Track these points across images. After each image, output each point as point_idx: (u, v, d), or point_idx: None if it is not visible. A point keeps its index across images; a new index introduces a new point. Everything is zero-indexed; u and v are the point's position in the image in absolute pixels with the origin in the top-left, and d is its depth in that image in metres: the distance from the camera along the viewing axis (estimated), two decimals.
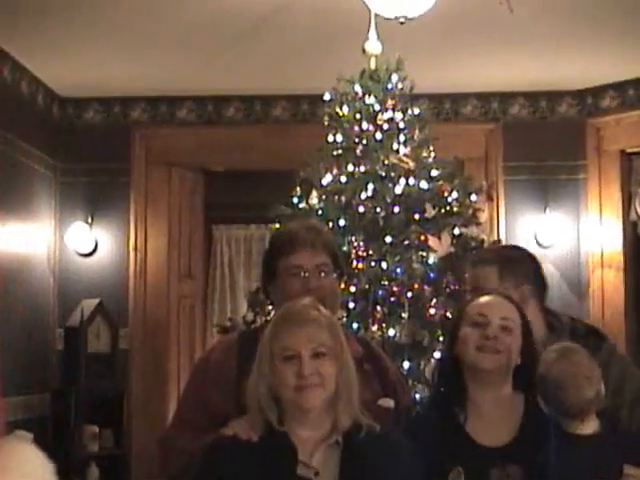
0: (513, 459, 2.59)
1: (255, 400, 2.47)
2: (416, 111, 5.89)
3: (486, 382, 2.73)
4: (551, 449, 2.52)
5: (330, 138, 5.83)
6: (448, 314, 5.21)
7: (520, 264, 3.28)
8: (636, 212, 7.14)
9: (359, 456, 2.44)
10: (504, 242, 6.90)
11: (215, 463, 2.46)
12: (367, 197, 5.55)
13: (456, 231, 5.58)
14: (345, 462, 2.43)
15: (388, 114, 5.79)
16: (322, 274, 3.01)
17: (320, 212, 5.61)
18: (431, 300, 5.36)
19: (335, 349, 2.46)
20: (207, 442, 2.54)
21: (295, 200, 5.75)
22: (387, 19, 5.04)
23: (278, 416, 2.47)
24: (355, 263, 5.42)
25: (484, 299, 2.82)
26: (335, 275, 3.08)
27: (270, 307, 4.71)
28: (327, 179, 5.70)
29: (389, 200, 5.53)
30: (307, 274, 2.98)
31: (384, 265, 5.39)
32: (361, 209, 5.53)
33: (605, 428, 2.59)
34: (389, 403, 3.01)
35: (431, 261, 5.43)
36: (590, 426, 2.59)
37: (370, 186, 5.56)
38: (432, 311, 5.30)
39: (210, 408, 2.86)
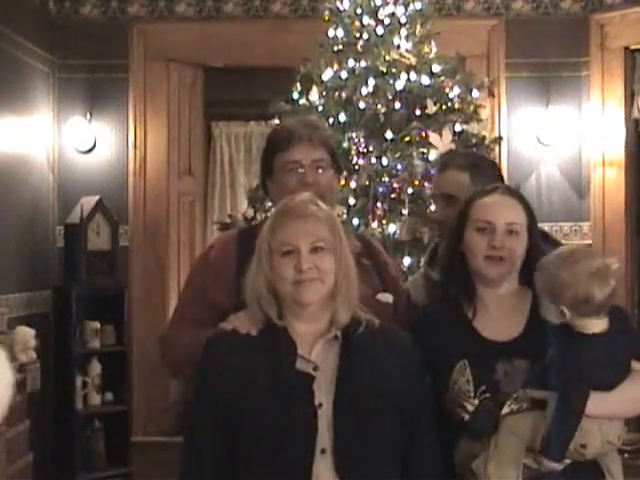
0: (519, 353, 2.61)
1: (254, 295, 2.48)
2: (418, 6, 5.83)
3: (493, 284, 2.75)
4: (559, 347, 2.52)
5: (331, 33, 5.78)
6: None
7: (488, 170, 3.25)
8: (638, 110, 7.09)
9: (358, 351, 2.45)
10: (505, 139, 6.87)
11: (214, 357, 2.48)
12: (368, 93, 5.53)
13: (457, 127, 5.56)
14: (344, 357, 2.44)
15: (389, 9, 5.73)
16: (319, 169, 3.01)
17: (320, 108, 5.58)
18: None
19: (334, 244, 2.46)
20: (206, 337, 2.55)
21: (295, 96, 5.73)
22: None
23: (278, 311, 2.48)
24: (355, 159, 5.42)
25: (489, 200, 2.76)
26: (332, 171, 3.07)
27: (269, 204, 4.70)
28: (327, 75, 5.66)
29: (390, 96, 5.51)
30: (304, 169, 2.98)
31: (384, 161, 5.38)
32: (362, 105, 5.50)
33: (613, 325, 2.58)
34: (388, 298, 3.03)
35: (432, 157, 5.41)
36: (599, 324, 2.55)
37: (371, 82, 5.53)
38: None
39: (210, 304, 2.87)
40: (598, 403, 2.48)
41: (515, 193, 2.83)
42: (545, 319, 2.57)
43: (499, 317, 2.73)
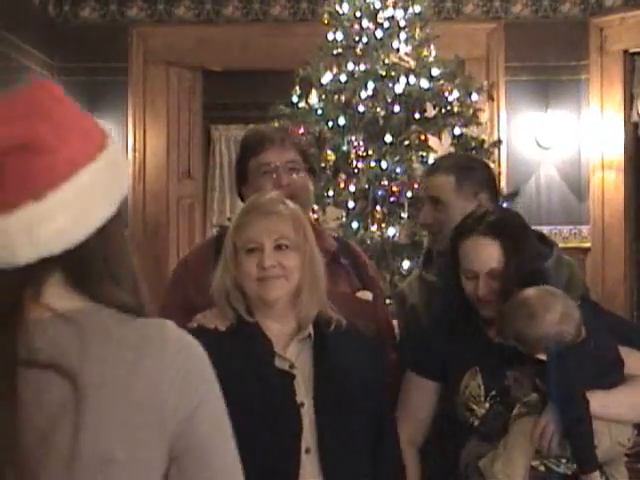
0: (528, 359, 2.60)
1: (221, 292, 2.48)
2: (417, 9, 5.83)
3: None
4: (548, 362, 2.54)
5: (330, 36, 5.78)
6: None
7: (476, 172, 3.24)
8: (638, 113, 7.10)
9: (331, 349, 2.45)
10: (505, 143, 6.88)
11: None
12: (367, 96, 5.52)
13: (456, 131, 5.55)
14: (319, 355, 2.45)
15: (389, 12, 5.73)
16: (293, 171, 3.01)
17: (320, 111, 5.58)
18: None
19: (298, 241, 2.45)
20: None
21: (294, 99, 5.72)
22: None
23: (246, 309, 2.47)
24: (355, 163, 5.42)
25: (468, 249, 2.71)
26: (306, 173, 3.08)
27: None
28: (327, 78, 5.66)
29: (389, 99, 5.50)
30: (278, 171, 2.98)
31: (384, 165, 5.38)
32: (361, 108, 5.50)
33: (590, 326, 2.58)
34: (367, 295, 3.04)
35: (431, 161, 5.40)
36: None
37: (370, 85, 5.52)
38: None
39: (190, 309, 2.86)
40: (604, 404, 2.51)
41: (495, 231, 2.72)
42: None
43: None
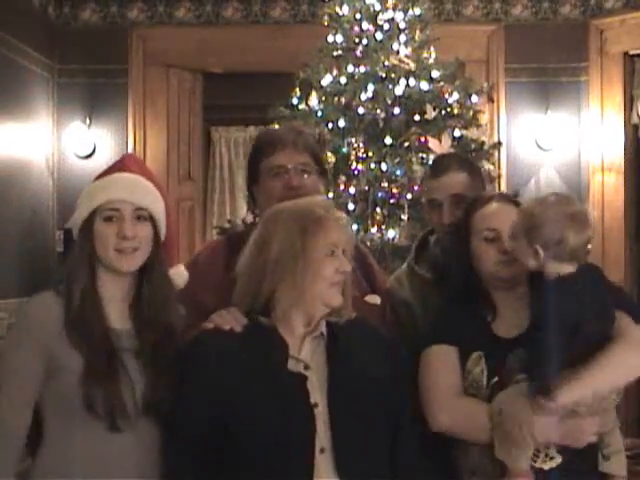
0: (525, 345, 2.62)
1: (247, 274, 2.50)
2: (417, 11, 5.83)
3: (506, 287, 2.77)
4: (533, 293, 2.60)
5: (330, 39, 5.78)
6: None
7: (477, 169, 3.27)
8: (638, 115, 7.09)
9: (344, 347, 2.47)
10: (504, 144, 6.88)
11: (201, 356, 2.45)
12: (367, 98, 5.52)
13: (456, 133, 5.55)
14: (332, 355, 2.46)
15: (388, 14, 5.73)
16: (304, 173, 3.02)
17: (319, 113, 5.58)
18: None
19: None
20: (189, 338, 2.54)
21: (294, 101, 5.73)
22: None
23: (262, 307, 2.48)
24: (355, 165, 5.42)
25: (490, 210, 2.80)
26: (317, 175, 3.08)
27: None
28: (327, 80, 5.66)
29: (389, 101, 5.50)
30: (289, 173, 2.99)
31: (384, 167, 5.38)
32: (361, 110, 5.50)
33: (584, 275, 2.61)
34: (376, 300, 3.05)
35: (431, 163, 5.40)
36: (569, 269, 2.60)
37: (370, 87, 5.52)
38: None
39: (200, 309, 2.86)
40: (587, 382, 2.51)
41: (511, 200, 2.87)
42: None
43: (511, 316, 2.75)
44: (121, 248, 2.52)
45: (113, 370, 2.44)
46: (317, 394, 2.39)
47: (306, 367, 2.42)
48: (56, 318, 2.47)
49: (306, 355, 2.45)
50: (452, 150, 5.43)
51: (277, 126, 3.41)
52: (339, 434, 2.36)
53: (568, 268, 2.58)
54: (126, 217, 2.54)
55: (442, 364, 2.72)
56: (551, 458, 2.55)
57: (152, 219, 2.60)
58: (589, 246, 2.64)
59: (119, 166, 2.70)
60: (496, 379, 2.63)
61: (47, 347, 2.45)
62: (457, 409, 2.65)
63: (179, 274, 2.74)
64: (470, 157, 3.64)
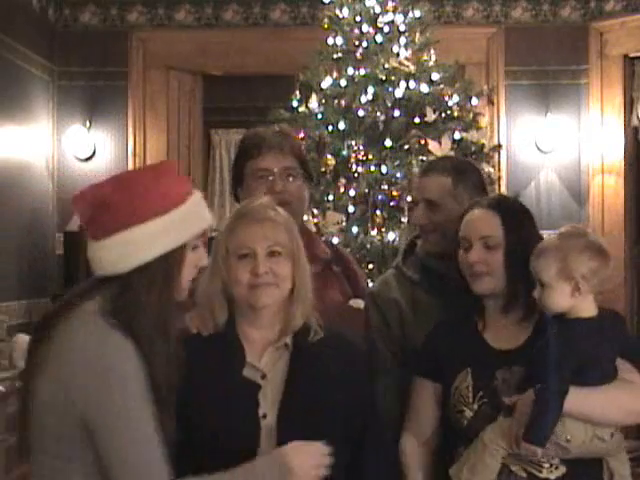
0: (519, 361, 2.59)
1: (207, 297, 2.45)
2: (417, 14, 5.84)
3: (491, 299, 2.71)
4: (550, 333, 2.50)
5: (330, 41, 5.78)
6: None
7: (470, 174, 3.22)
8: (638, 117, 7.10)
9: (307, 361, 2.42)
10: (505, 147, 6.89)
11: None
12: (367, 101, 5.52)
13: (456, 135, 5.56)
14: (293, 365, 2.41)
15: (388, 17, 5.73)
16: (289, 177, 3.00)
17: (319, 116, 5.58)
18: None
19: (291, 249, 2.43)
20: None
21: (294, 104, 5.73)
22: None
23: (229, 315, 2.45)
24: (355, 167, 5.42)
25: (467, 217, 2.73)
26: (302, 179, 3.06)
27: None
28: (327, 82, 5.66)
29: (389, 104, 5.51)
30: (274, 177, 2.97)
31: (384, 169, 5.38)
32: (361, 113, 5.50)
33: (604, 319, 2.56)
34: (359, 304, 3.04)
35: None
36: (591, 310, 2.54)
37: (370, 89, 5.52)
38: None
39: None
40: (578, 400, 2.46)
41: (496, 205, 2.76)
42: (546, 308, 2.55)
43: (506, 326, 2.69)
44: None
45: None
46: (268, 405, 2.35)
47: (264, 376, 2.38)
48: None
49: (266, 365, 2.40)
50: (452, 153, 5.44)
51: (262, 128, 3.39)
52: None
53: (590, 309, 2.54)
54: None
55: (420, 401, 2.72)
56: (556, 468, 2.54)
57: None
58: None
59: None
60: (481, 394, 2.60)
61: None
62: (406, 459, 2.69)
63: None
64: (471, 160, 3.61)
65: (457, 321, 2.78)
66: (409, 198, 5.34)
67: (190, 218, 2.22)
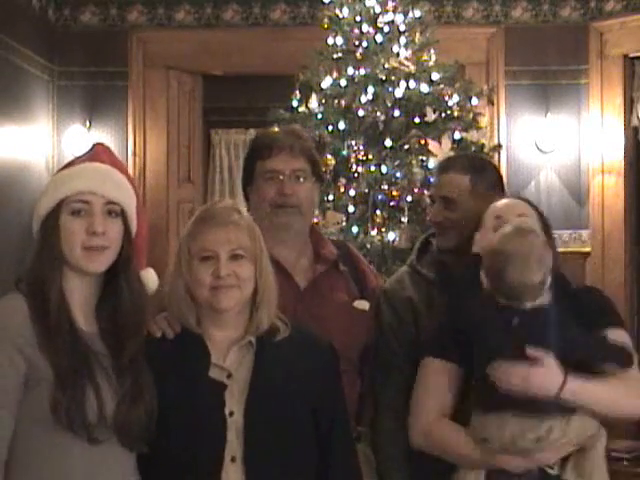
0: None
1: (172, 299, 2.48)
2: (417, 14, 5.83)
3: None
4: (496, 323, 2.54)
5: (330, 41, 5.78)
6: None
7: (489, 172, 3.24)
8: (638, 117, 7.09)
9: (272, 358, 2.45)
10: (505, 147, 6.88)
11: None
12: (367, 101, 5.52)
13: (456, 135, 5.55)
14: (258, 363, 2.44)
15: (389, 16, 5.73)
16: (299, 179, 3.01)
17: (319, 116, 5.58)
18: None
19: (254, 252, 2.46)
20: None
21: (294, 104, 5.72)
22: None
23: (196, 317, 2.47)
24: (355, 167, 5.42)
25: (500, 202, 2.83)
26: (313, 181, 3.07)
27: None
28: (327, 82, 5.65)
29: (389, 104, 5.50)
30: (283, 179, 2.98)
31: (384, 169, 5.38)
32: (361, 113, 5.50)
33: (553, 297, 2.57)
34: (364, 305, 3.05)
35: (431, 165, 5.40)
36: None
37: (370, 89, 5.52)
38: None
39: None
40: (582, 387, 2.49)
41: (526, 199, 2.93)
42: None
43: None
44: (90, 245, 2.29)
45: (80, 377, 2.22)
46: (235, 403, 2.38)
47: (229, 376, 2.41)
48: (29, 324, 2.23)
49: (231, 364, 2.43)
50: (451, 153, 5.43)
51: (274, 128, 3.39)
52: (251, 444, 2.35)
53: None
54: (96, 211, 2.31)
55: (434, 382, 2.71)
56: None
57: (123, 215, 2.37)
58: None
59: (89, 156, 2.47)
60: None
61: (24, 355, 2.21)
62: (434, 432, 2.66)
63: (150, 278, 2.58)
64: (485, 159, 3.62)
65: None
66: (409, 198, 5.34)
67: (63, 182, 2.34)
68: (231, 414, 2.37)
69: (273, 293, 2.49)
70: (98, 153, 2.49)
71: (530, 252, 2.55)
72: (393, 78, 5.55)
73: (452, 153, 5.42)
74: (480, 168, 3.20)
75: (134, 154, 7.33)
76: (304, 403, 2.44)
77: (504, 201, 2.85)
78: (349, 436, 2.60)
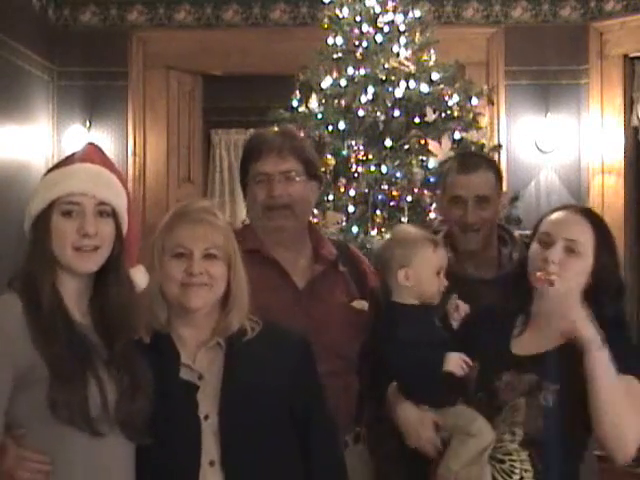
0: (533, 369, 2.55)
1: (146, 297, 2.47)
2: (417, 14, 5.83)
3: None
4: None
5: (330, 41, 5.77)
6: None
7: (498, 169, 3.25)
8: (638, 117, 7.09)
9: (242, 357, 2.43)
10: (505, 147, 6.88)
11: None
12: (367, 101, 5.51)
13: (456, 135, 5.54)
14: (229, 362, 2.42)
15: (388, 16, 5.73)
16: (290, 180, 3.01)
17: (319, 116, 5.58)
18: (431, 204, 5.35)
19: (228, 253, 2.45)
20: None
21: (294, 104, 5.72)
22: None
23: (167, 315, 2.46)
24: (354, 167, 5.41)
25: (555, 215, 2.63)
26: (306, 180, 3.06)
27: None
28: (327, 82, 5.65)
29: (389, 104, 5.49)
30: (271, 181, 2.98)
31: (384, 169, 5.37)
32: (361, 113, 5.49)
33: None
34: (363, 305, 3.05)
35: (431, 165, 5.40)
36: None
37: (370, 89, 5.52)
38: (432, 215, 5.29)
39: None
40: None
41: (588, 212, 2.70)
42: None
43: (538, 332, 2.62)
44: (81, 246, 2.32)
45: (82, 370, 2.23)
46: (209, 405, 2.36)
47: (200, 377, 2.39)
48: (23, 321, 2.27)
49: (202, 365, 2.41)
50: (451, 153, 5.43)
51: (269, 129, 3.40)
52: (229, 447, 2.34)
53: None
54: (87, 212, 2.33)
55: None
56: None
57: (115, 215, 2.39)
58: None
59: (80, 155, 2.47)
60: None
61: (17, 356, 2.23)
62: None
63: (140, 275, 2.52)
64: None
65: (500, 313, 2.72)
66: (409, 198, 5.34)
67: (54, 183, 2.37)
68: (206, 418, 2.35)
69: (245, 296, 2.47)
70: (89, 153, 2.49)
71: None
72: (393, 78, 5.54)
73: (452, 153, 5.42)
74: (497, 167, 3.22)
75: (134, 154, 7.34)
76: (279, 400, 2.43)
77: (558, 217, 2.62)
78: (329, 430, 2.56)
